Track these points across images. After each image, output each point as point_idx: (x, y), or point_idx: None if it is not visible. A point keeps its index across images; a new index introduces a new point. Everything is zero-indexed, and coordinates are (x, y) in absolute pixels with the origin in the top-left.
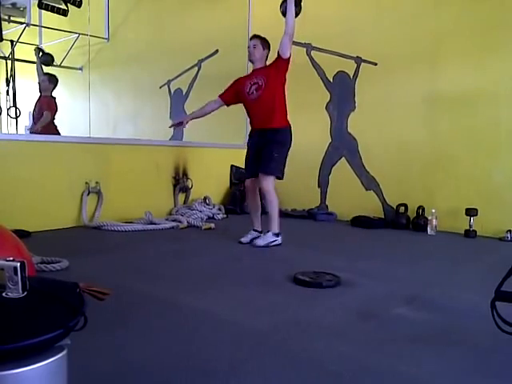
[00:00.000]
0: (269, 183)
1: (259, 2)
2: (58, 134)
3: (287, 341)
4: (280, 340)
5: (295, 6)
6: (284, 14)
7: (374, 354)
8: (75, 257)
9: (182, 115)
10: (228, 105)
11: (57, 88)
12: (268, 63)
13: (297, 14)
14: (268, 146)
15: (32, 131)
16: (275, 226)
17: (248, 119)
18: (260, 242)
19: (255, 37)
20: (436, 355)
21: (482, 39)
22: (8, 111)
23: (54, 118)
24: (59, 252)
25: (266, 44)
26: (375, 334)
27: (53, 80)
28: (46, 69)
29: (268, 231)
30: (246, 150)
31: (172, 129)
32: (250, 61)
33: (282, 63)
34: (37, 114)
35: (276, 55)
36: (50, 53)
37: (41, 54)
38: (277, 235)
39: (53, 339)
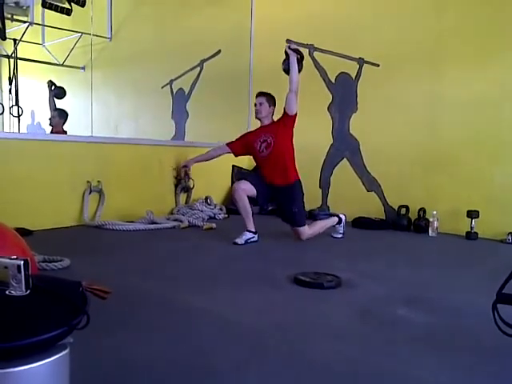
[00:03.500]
0: (305, 231)
1: (262, 2)
2: None
3: (287, 341)
4: (280, 340)
5: (297, 63)
6: (285, 71)
7: (374, 354)
8: (76, 256)
9: (184, 115)
10: (236, 155)
11: None
12: (275, 118)
13: (299, 71)
14: (287, 204)
15: None
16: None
17: (249, 120)
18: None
19: (261, 94)
20: (436, 356)
21: (485, 41)
22: (10, 110)
23: None
24: (61, 251)
25: (271, 100)
26: (376, 334)
27: (63, 115)
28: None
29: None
30: None
31: (174, 128)
32: (257, 118)
33: (288, 120)
34: None
35: (282, 111)
36: (63, 86)
37: (53, 87)
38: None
39: (56, 337)
